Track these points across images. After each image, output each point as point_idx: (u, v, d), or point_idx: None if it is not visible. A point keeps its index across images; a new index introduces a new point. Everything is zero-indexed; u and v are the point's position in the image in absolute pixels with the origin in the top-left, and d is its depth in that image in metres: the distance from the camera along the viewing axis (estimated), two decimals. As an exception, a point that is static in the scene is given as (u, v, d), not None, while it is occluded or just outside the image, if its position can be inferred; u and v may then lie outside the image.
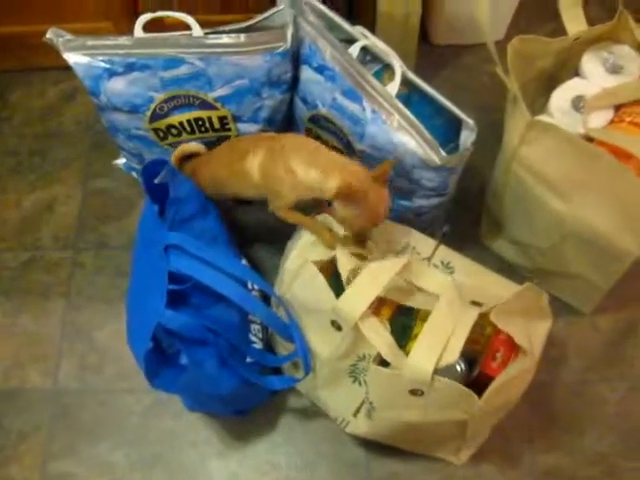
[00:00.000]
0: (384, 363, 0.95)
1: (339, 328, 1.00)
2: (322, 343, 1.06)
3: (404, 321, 1.05)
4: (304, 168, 1.00)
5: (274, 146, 1.05)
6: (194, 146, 1.22)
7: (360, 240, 1.01)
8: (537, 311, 0.99)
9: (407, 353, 0.91)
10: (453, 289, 0.95)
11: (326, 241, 1.04)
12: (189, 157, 1.25)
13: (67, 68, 1.13)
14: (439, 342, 0.89)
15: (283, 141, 1.05)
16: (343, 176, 0.96)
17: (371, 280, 0.94)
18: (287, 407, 1.23)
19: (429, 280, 0.98)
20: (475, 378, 1.05)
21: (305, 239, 1.06)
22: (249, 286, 1.15)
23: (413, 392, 0.93)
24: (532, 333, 0.96)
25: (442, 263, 1.07)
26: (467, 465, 1.17)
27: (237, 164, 1.09)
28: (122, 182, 1.48)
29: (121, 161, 1.40)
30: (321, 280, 0.99)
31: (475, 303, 0.99)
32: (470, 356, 1.08)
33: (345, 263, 0.99)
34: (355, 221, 0.98)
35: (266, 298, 1.19)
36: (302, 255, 1.05)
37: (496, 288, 1.01)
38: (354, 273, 0.97)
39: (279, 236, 1.17)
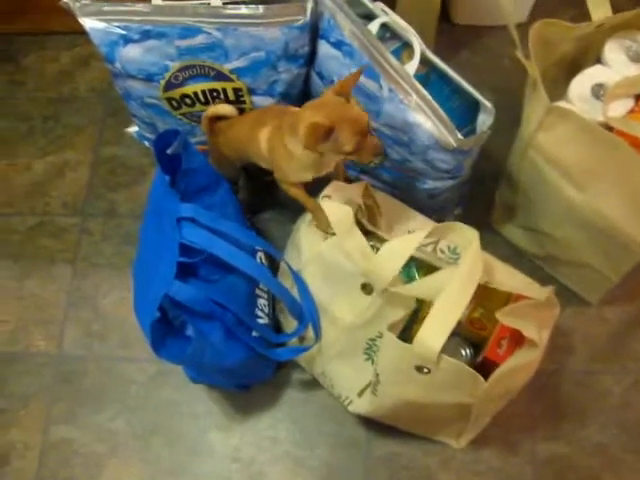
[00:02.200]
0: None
1: (370, 292, 1.00)
2: (345, 309, 1.06)
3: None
4: (289, 139, 0.99)
5: (277, 123, 1.04)
6: (227, 107, 1.20)
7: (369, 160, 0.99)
8: (545, 303, 0.98)
9: (414, 336, 0.90)
10: (477, 249, 0.93)
11: (322, 224, 1.04)
12: (220, 119, 1.22)
13: (82, 33, 1.12)
14: (450, 320, 0.88)
15: (287, 119, 1.01)
16: (310, 114, 0.93)
17: (403, 242, 0.94)
18: (290, 383, 1.23)
19: (454, 235, 0.98)
20: (480, 364, 1.04)
21: (324, 202, 1.04)
22: (258, 259, 1.14)
23: (419, 369, 0.93)
24: (540, 323, 0.95)
25: (449, 248, 1.05)
26: (467, 449, 1.17)
27: (254, 134, 1.08)
28: (133, 150, 1.47)
29: (133, 129, 1.39)
30: (359, 235, 0.98)
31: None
32: (476, 341, 1.08)
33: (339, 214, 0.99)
34: (344, 148, 0.93)
35: (273, 269, 1.19)
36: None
37: (502, 277, 1.00)
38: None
39: (288, 208, 1.16)
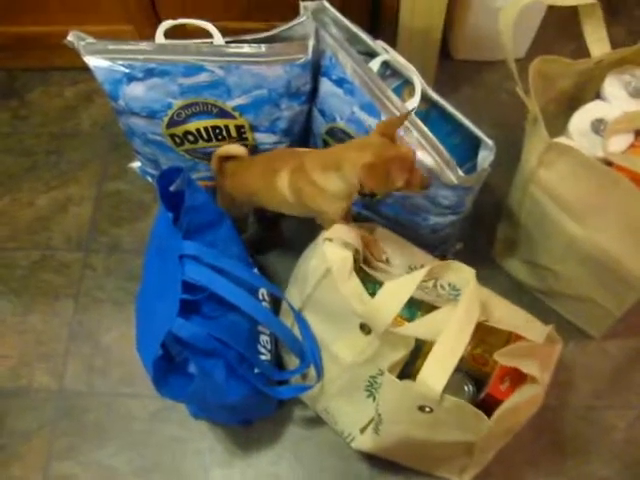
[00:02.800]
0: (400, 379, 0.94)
1: (368, 332, 1.00)
2: (346, 347, 1.06)
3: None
4: (322, 176, 0.98)
5: (294, 166, 1.03)
6: (237, 148, 1.20)
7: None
8: (545, 343, 0.98)
9: (417, 371, 0.90)
10: (474, 289, 0.92)
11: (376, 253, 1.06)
12: (229, 158, 1.22)
13: (86, 69, 1.13)
14: (451, 359, 0.88)
15: (302, 159, 1.02)
16: (356, 162, 0.93)
17: (400, 286, 0.93)
18: (293, 419, 1.23)
19: (453, 274, 0.98)
20: (482, 400, 1.04)
21: (326, 245, 1.04)
22: (260, 296, 1.14)
23: (421, 408, 0.92)
24: (541, 359, 0.95)
25: (449, 284, 1.05)
26: (470, 486, 1.16)
27: (270, 182, 1.07)
28: (136, 185, 1.48)
29: (136, 164, 1.40)
30: (356, 282, 0.98)
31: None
32: (478, 377, 1.07)
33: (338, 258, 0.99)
34: (395, 185, 0.94)
35: (275, 304, 1.20)
36: (324, 261, 1.02)
37: (502, 314, 1.00)
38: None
39: (291, 244, 1.17)
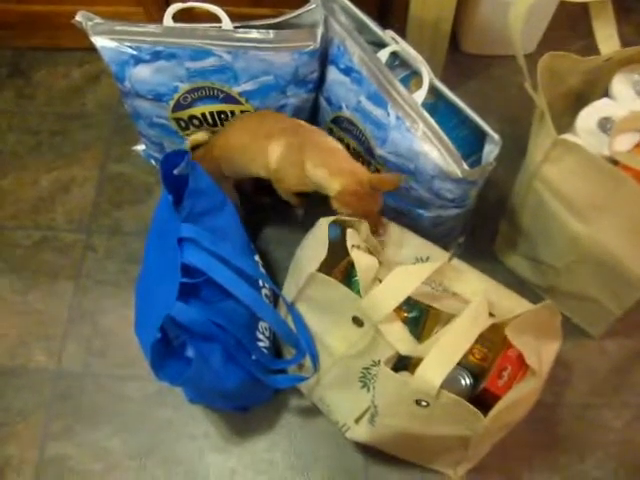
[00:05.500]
0: (396, 370, 0.94)
1: (361, 324, 1.00)
2: (339, 339, 1.06)
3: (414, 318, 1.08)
4: (314, 166, 1.04)
5: (293, 142, 1.07)
6: (201, 135, 1.24)
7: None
8: (549, 330, 0.98)
9: (414, 363, 0.90)
10: (483, 300, 0.94)
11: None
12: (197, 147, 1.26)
13: (93, 50, 1.13)
14: (452, 357, 0.88)
15: (303, 137, 1.07)
16: (346, 182, 1.02)
17: (402, 282, 0.93)
18: (289, 407, 1.23)
19: (463, 284, 0.98)
20: (479, 394, 1.04)
21: (354, 253, 1.04)
22: (260, 283, 1.14)
23: (418, 402, 0.92)
24: (542, 352, 0.95)
25: None
26: (464, 479, 1.16)
27: (260, 141, 1.11)
28: (140, 168, 1.48)
29: (140, 147, 1.40)
30: (342, 288, 0.99)
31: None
32: (476, 371, 1.07)
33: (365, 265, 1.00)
34: (348, 214, 1.04)
35: (275, 293, 1.19)
36: (318, 256, 1.03)
37: (507, 302, 1.00)
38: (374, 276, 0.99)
39: (295, 231, 1.16)
